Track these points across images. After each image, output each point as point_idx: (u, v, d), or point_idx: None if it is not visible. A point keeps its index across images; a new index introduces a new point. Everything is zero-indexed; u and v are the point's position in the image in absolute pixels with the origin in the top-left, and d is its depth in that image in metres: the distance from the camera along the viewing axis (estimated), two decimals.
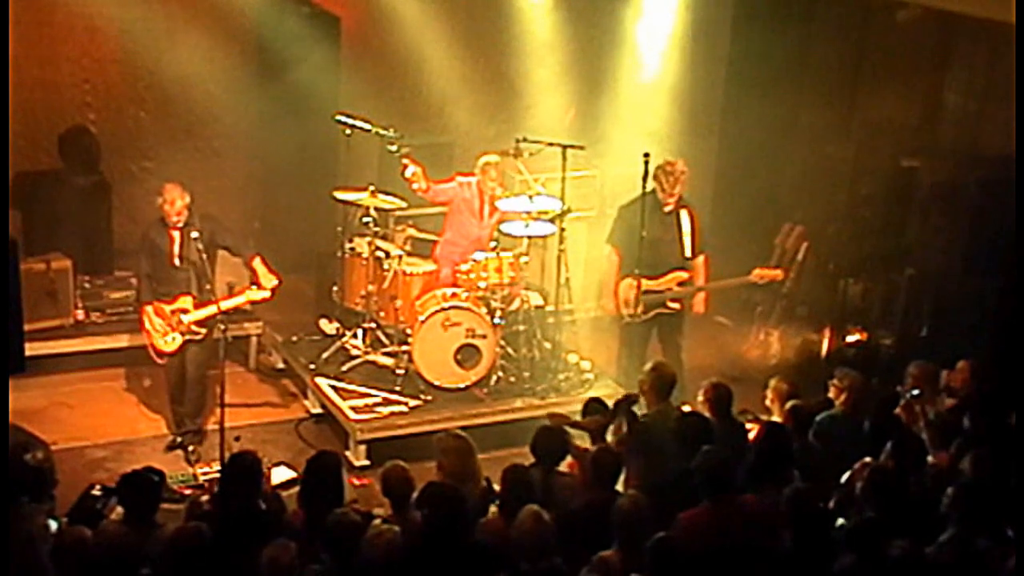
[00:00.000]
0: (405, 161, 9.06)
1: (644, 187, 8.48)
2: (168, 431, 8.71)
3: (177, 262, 8.33)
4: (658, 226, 8.71)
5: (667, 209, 8.79)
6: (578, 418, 7.31)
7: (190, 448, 8.54)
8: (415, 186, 9.09)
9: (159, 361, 8.44)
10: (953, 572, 5.65)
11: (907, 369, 7.75)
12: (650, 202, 8.64)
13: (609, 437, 7.09)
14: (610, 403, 7.45)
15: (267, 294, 8.61)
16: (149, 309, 8.37)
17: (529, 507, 5.74)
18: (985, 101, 9.65)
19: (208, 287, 8.18)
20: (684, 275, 8.90)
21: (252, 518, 5.99)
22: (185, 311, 8.31)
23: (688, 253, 8.89)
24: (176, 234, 8.29)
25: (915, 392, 7.36)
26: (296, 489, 7.33)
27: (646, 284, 8.77)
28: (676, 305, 8.93)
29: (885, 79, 10.42)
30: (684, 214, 8.85)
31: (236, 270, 9.51)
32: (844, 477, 6.68)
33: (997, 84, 9.36)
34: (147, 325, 8.39)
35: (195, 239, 8.10)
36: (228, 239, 8.54)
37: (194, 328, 8.33)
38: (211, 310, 8.18)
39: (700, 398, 7.35)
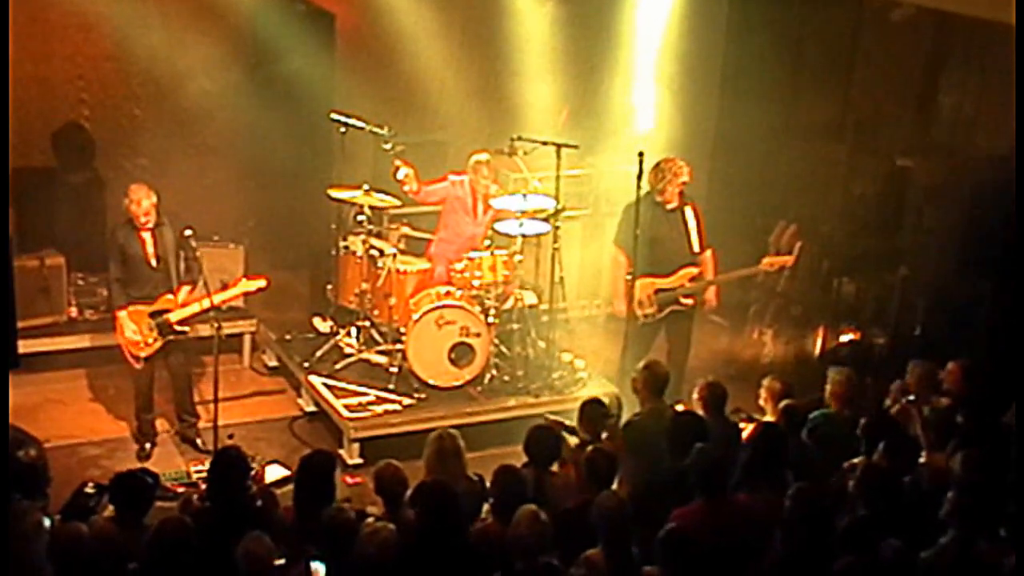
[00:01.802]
0: (397, 163, 9.06)
1: (639, 186, 8.48)
2: (157, 430, 8.68)
3: (154, 262, 8.24)
4: (663, 224, 8.74)
5: (670, 207, 8.81)
6: (573, 417, 7.29)
7: (199, 441, 8.54)
8: (406, 188, 9.10)
9: (136, 365, 8.36)
10: (953, 574, 5.66)
11: (908, 368, 7.75)
12: (653, 200, 8.68)
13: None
14: (606, 401, 7.46)
15: (262, 283, 8.56)
16: (123, 314, 8.26)
17: (527, 507, 5.75)
18: (979, 101, 9.66)
19: (203, 282, 8.13)
20: (694, 270, 8.92)
21: (241, 513, 5.99)
22: (169, 310, 8.26)
23: (696, 248, 8.91)
24: (147, 235, 8.20)
25: (910, 397, 7.35)
26: (290, 487, 7.36)
27: (658, 283, 8.79)
28: (689, 301, 8.94)
29: (880, 79, 10.43)
30: (688, 210, 8.87)
31: (227, 266, 9.53)
32: (834, 479, 6.68)
33: (992, 84, 9.37)
34: (121, 330, 8.30)
35: (188, 236, 8.07)
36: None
37: (177, 328, 8.28)
38: (202, 305, 8.12)
39: (695, 396, 7.36)
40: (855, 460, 6.71)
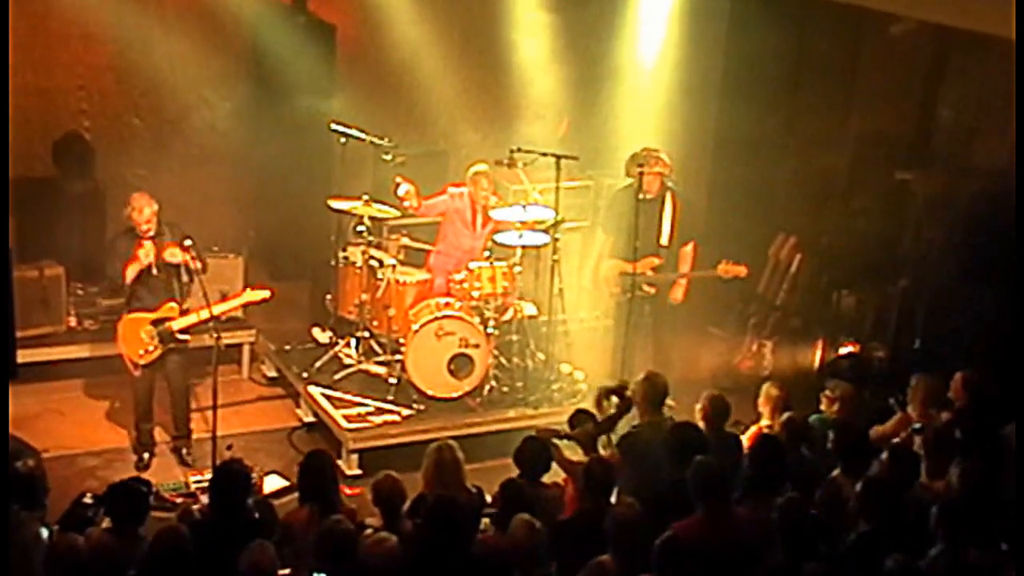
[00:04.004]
0: (398, 179, 9.06)
1: (638, 198, 8.51)
2: (156, 440, 8.66)
3: (155, 271, 8.24)
4: (638, 213, 8.86)
5: (648, 196, 8.98)
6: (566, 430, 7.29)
7: (184, 451, 8.54)
8: (407, 203, 9.10)
9: (135, 372, 8.35)
10: None
11: (911, 382, 7.76)
12: (634, 189, 8.86)
13: (602, 449, 7.08)
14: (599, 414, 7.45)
15: (266, 294, 8.59)
16: (125, 318, 8.29)
17: (521, 516, 5.74)
18: (979, 114, 9.68)
19: (201, 295, 8.14)
20: (656, 261, 9.09)
21: (241, 525, 5.98)
22: (170, 318, 8.27)
23: (664, 240, 9.08)
24: (148, 244, 8.18)
25: (916, 426, 7.36)
26: (287, 498, 7.36)
27: (623, 266, 8.97)
28: (651, 290, 9.14)
29: (879, 91, 10.44)
30: (668, 201, 9.07)
31: (227, 277, 9.52)
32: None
33: (990, 97, 9.39)
34: (122, 336, 8.31)
35: (189, 247, 8.08)
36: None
37: (178, 336, 8.29)
38: (201, 315, 8.12)
39: (697, 408, 7.35)
40: (834, 473, 6.69)
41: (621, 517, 5.75)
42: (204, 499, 7.31)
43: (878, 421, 7.76)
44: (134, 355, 8.28)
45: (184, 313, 8.25)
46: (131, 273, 8.13)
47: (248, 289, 8.72)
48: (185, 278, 8.26)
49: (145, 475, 7.94)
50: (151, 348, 8.26)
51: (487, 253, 9.07)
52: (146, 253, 8.09)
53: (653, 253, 9.07)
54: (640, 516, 5.77)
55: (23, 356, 8.58)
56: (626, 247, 8.86)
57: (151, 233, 8.18)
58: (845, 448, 6.81)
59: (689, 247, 9.22)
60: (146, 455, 8.51)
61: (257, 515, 6.18)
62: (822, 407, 7.58)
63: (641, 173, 8.85)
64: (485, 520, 6.41)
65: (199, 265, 8.15)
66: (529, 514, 5.84)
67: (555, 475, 6.79)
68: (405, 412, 8.76)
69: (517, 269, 9.08)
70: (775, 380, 8.00)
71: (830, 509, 6.25)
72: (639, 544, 5.64)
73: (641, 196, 8.84)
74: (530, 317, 9.32)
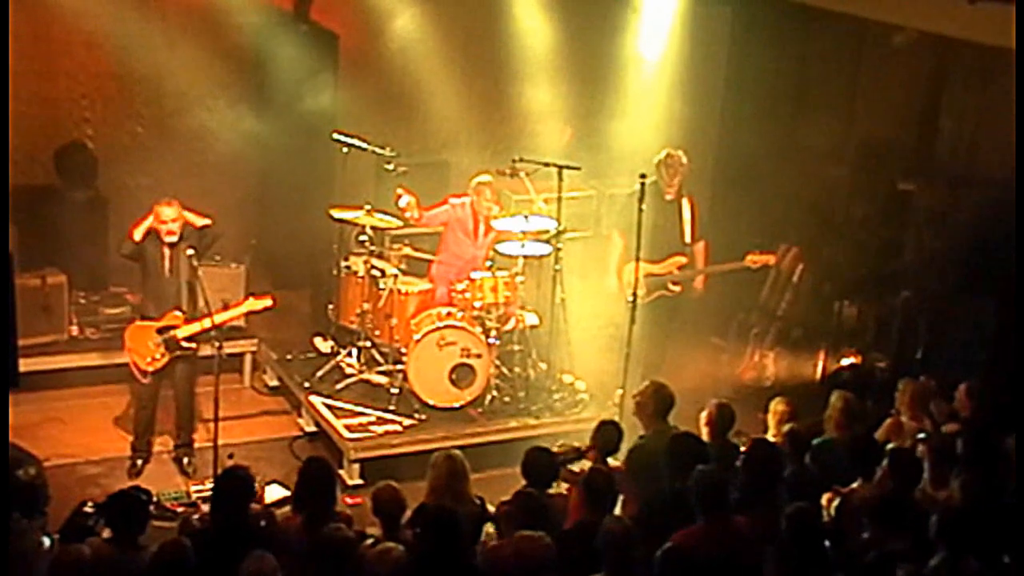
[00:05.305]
0: (399, 191, 9.07)
1: (640, 208, 8.49)
2: (158, 448, 8.67)
3: (168, 274, 8.29)
4: (660, 214, 9.05)
5: (668, 198, 9.18)
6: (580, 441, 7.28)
7: (185, 460, 8.55)
8: (408, 215, 9.12)
9: (143, 380, 8.38)
10: None
11: (898, 386, 7.78)
12: (653, 191, 8.84)
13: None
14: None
15: (268, 302, 8.61)
16: (131, 327, 8.34)
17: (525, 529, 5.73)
18: (980, 125, 9.69)
19: (203, 304, 8.16)
20: (683, 260, 9.31)
21: (244, 533, 5.98)
22: (175, 326, 8.29)
23: (687, 239, 9.30)
24: (167, 251, 8.26)
25: (920, 435, 7.35)
26: (289, 508, 7.35)
27: (648, 268, 9.00)
28: (677, 288, 9.35)
29: (881, 102, 10.46)
30: (685, 202, 9.28)
31: (228, 286, 9.52)
32: (833, 501, 6.66)
33: (992, 108, 9.40)
34: (130, 344, 8.35)
35: (191, 256, 8.10)
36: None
37: (184, 344, 8.31)
38: (205, 324, 8.15)
39: (703, 416, 7.36)
40: (854, 485, 6.69)
41: (612, 533, 5.73)
42: (205, 508, 7.30)
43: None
44: (142, 363, 8.31)
45: (189, 321, 8.27)
46: (139, 233, 8.18)
47: (251, 297, 8.73)
48: (191, 285, 8.29)
49: (146, 484, 7.92)
50: (158, 356, 8.28)
51: (489, 263, 9.08)
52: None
53: (679, 252, 9.30)
54: (631, 532, 5.76)
55: (25, 364, 8.54)
56: (649, 248, 8.87)
57: (173, 241, 8.20)
58: (860, 460, 6.79)
59: (701, 244, 9.43)
60: (139, 461, 8.52)
61: (263, 523, 6.18)
62: (826, 419, 7.56)
63: (663, 178, 9.10)
64: (490, 531, 6.41)
65: (200, 274, 8.16)
66: (541, 524, 5.82)
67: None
68: (406, 422, 8.75)
69: (519, 279, 9.09)
70: (783, 395, 8.00)
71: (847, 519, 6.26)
72: (632, 560, 5.63)
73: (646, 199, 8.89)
74: (532, 327, 9.32)
